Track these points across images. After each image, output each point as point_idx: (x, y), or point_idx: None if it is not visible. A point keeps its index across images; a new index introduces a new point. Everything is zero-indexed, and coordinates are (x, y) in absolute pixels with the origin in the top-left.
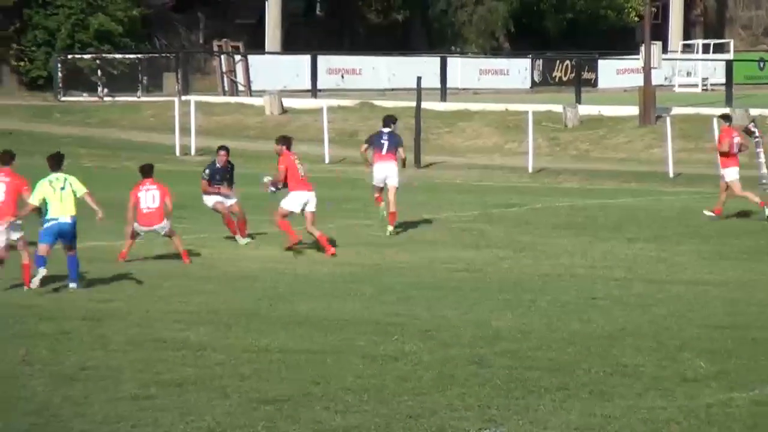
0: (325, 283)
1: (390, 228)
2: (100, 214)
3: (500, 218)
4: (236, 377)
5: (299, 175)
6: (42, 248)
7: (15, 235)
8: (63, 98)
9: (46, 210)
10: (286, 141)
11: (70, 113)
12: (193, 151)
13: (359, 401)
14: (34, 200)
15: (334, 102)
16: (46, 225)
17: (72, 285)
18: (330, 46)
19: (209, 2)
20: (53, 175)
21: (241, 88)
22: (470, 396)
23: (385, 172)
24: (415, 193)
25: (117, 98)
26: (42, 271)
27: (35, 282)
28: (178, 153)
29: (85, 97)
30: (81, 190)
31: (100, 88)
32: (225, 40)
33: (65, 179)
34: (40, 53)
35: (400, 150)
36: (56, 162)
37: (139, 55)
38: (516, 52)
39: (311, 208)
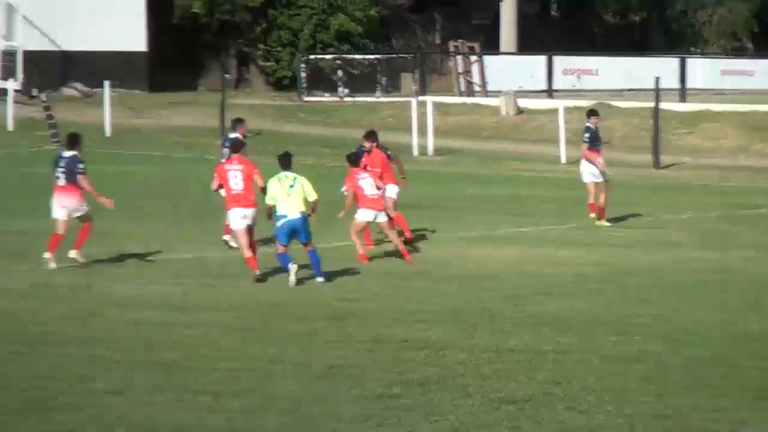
0: (568, 284)
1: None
2: (314, 216)
3: (746, 219)
4: (478, 377)
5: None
6: (279, 248)
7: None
8: (306, 98)
9: (275, 208)
10: (376, 137)
11: (313, 113)
12: (430, 151)
13: (601, 401)
14: (268, 200)
15: (570, 102)
16: (278, 224)
17: (319, 279)
18: (566, 47)
19: (446, 3)
20: (282, 174)
21: (476, 88)
22: (718, 398)
23: (584, 167)
24: (656, 193)
25: (356, 98)
26: (293, 267)
27: (292, 281)
28: (415, 153)
29: (326, 97)
30: (312, 195)
31: (340, 89)
32: (461, 40)
33: (294, 178)
34: (285, 53)
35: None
36: (285, 161)
37: (378, 56)
38: (761, 53)
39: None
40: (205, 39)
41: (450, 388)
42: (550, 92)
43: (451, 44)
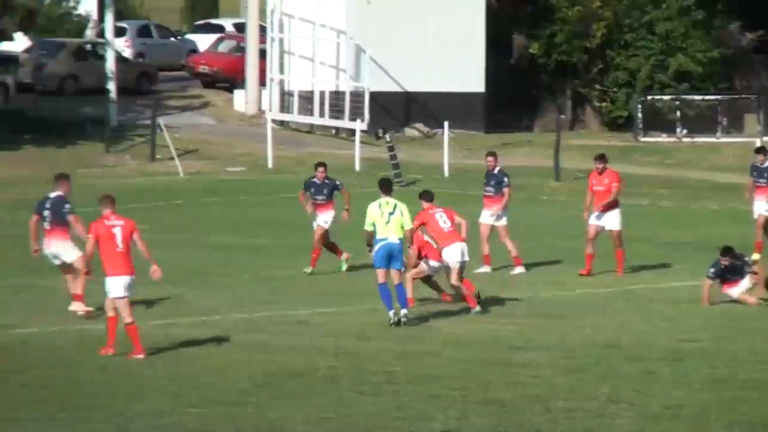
0: None
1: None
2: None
3: None
4: None
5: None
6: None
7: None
8: (642, 138)
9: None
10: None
11: (649, 153)
12: None
13: None
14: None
15: None
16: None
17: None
18: None
19: None
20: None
21: None
22: None
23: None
24: None
25: (695, 139)
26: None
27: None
28: None
29: (663, 138)
30: (409, 224)
31: (678, 129)
32: None
33: (395, 205)
34: (621, 94)
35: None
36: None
37: (718, 96)
38: None
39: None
40: (541, 80)
41: None
42: None
43: None
